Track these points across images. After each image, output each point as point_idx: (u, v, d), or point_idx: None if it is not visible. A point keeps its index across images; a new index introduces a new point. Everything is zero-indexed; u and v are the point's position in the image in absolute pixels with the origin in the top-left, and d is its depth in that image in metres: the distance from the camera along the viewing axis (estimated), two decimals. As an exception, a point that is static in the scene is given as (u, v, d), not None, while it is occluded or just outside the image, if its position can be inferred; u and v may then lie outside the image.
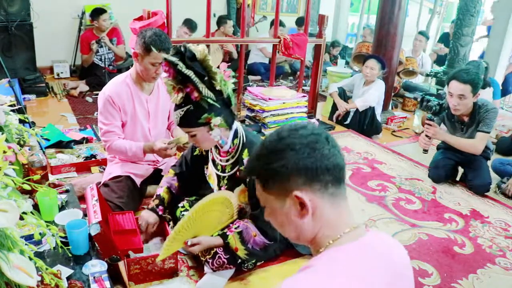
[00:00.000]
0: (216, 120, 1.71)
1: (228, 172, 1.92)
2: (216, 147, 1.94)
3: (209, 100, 1.66)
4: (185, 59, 1.61)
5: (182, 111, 1.68)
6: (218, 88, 1.69)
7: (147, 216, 2.02)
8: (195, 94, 1.63)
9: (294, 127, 0.87)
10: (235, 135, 1.85)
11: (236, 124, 1.87)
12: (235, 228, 1.84)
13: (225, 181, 1.95)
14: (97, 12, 4.74)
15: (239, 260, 1.85)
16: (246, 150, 1.84)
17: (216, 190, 1.99)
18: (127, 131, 2.38)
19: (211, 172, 2.04)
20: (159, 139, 2.33)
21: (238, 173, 1.89)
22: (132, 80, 2.33)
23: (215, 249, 1.82)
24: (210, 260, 1.81)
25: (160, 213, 2.05)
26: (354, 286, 0.78)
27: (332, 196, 0.86)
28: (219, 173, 1.96)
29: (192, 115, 1.68)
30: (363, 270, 0.81)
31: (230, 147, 1.86)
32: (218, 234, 1.84)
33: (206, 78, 1.65)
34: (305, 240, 0.90)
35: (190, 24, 4.92)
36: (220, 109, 1.72)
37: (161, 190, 2.10)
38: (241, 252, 1.82)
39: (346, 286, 0.77)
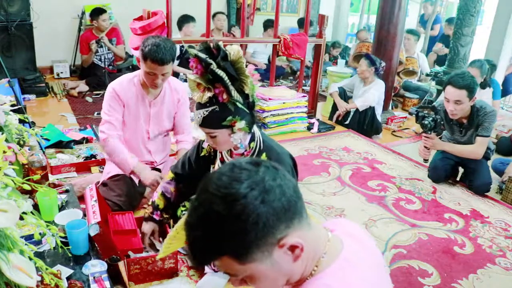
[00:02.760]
0: (241, 124, 1.63)
1: None
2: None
3: (237, 103, 1.58)
4: (218, 58, 1.52)
5: (207, 111, 1.59)
6: (246, 91, 1.60)
7: (146, 229, 1.94)
8: (224, 96, 1.55)
9: (234, 182, 0.72)
10: (252, 138, 1.78)
11: (254, 128, 1.78)
12: None
13: None
14: (97, 12, 4.74)
15: None
16: (264, 154, 1.76)
17: None
18: (126, 130, 2.38)
19: None
20: (157, 145, 2.38)
21: None
22: (139, 81, 2.32)
23: None
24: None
25: (157, 218, 1.97)
26: None
27: (306, 219, 0.78)
28: None
29: (216, 116, 1.59)
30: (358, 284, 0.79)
31: (246, 150, 1.78)
32: None
33: (237, 81, 1.56)
34: (294, 280, 0.81)
35: (191, 19, 4.92)
36: (245, 112, 1.64)
37: (155, 196, 2.01)
38: None
39: None
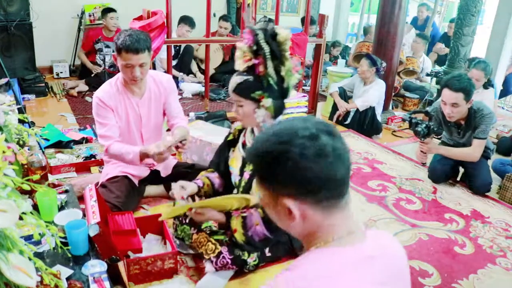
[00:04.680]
0: (267, 102, 1.72)
1: None
2: (252, 131, 1.92)
3: (270, 79, 1.69)
4: (267, 34, 1.66)
5: (242, 78, 1.72)
6: (282, 74, 1.71)
7: (188, 185, 1.93)
8: (261, 68, 1.68)
9: (295, 131, 0.80)
10: None
11: (281, 118, 1.85)
12: (241, 213, 1.83)
13: (251, 166, 1.90)
14: (106, 11, 4.78)
15: (243, 259, 1.84)
16: None
17: (237, 174, 1.96)
18: (120, 135, 2.34)
19: (236, 156, 2.00)
20: (153, 143, 2.32)
21: None
22: (122, 84, 2.29)
23: (219, 249, 1.82)
24: (214, 259, 1.81)
25: (200, 184, 1.98)
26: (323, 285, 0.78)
27: (325, 208, 0.83)
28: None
29: (248, 86, 1.71)
30: (342, 273, 0.80)
31: None
32: (223, 212, 1.82)
33: (276, 60, 1.68)
34: (294, 235, 0.90)
35: (189, 22, 4.90)
36: (275, 94, 1.74)
37: (199, 181, 2.02)
38: (239, 236, 1.79)
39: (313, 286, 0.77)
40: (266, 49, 1.65)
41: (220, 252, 1.81)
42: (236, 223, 1.81)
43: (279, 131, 0.82)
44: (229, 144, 2.05)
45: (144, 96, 2.34)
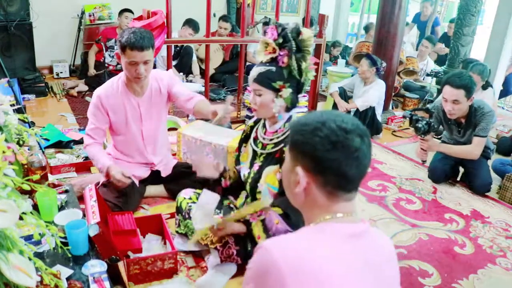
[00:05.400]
0: (286, 92, 1.80)
1: (268, 150, 1.91)
2: (264, 125, 1.95)
3: (293, 70, 1.77)
4: (293, 30, 1.77)
5: (264, 68, 1.79)
6: (303, 67, 1.80)
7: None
8: (285, 60, 1.76)
9: (334, 119, 0.89)
10: (289, 120, 1.91)
11: (293, 112, 1.93)
12: (258, 216, 1.82)
13: (261, 159, 1.93)
14: (122, 10, 4.82)
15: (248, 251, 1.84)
16: None
17: (247, 168, 1.98)
18: (119, 134, 2.37)
19: (247, 151, 2.03)
20: (153, 142, 2.40)
21: (278, 153, 1.88)
22: (124, 83, 2.30)
23: (226, 238, 1.83)
24: (220, 249, 1.82)
25: (223, 185, 2.08)
26: (317, 253, 0.85)
27: (329, 193, 0.91)
28: (258, 149, 1.95)
29: (270, 75, 1.78)
30: (332, 246, 0.87)
31: (280, 128, 1.90)
32: (242, 222, 1.83)
33: (299, 54, 1.78)
34: (295, 205, 0.99)
35: (193, 25, 4.91)
36: (294, 85, 1.82)
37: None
38: (263, 241, 1.79)
39: (305, 251, 0.85)
40: (293, 42, 1.75)
41: (227, 242, 1.83)
42: (258, 230, 1.81)
43: (324, 113, 0.93)
44: (241, 141, 2.10)
45: (145, 94, 2.34)
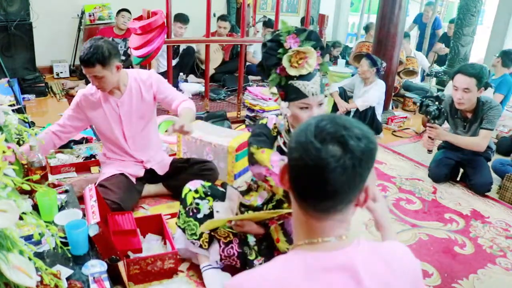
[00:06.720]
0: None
1: None
2: (288, 131, 1.85)
3: (327, 66, 1.81)
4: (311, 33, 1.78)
5: (319, 76, 1.75)
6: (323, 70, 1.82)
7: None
8: (321, 60, 1.78)
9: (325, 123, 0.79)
10: None
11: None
12: (277, 220, 1.81)
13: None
14: (120, 10, 4.83)
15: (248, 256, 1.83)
16: None
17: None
18: (102, 134, 2.42)
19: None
20: (137, 142, 2.41)
21: None
22: None
23: (231, 238, 1.82)
24: (223, 246, 1.81)
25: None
26: None
27: (311, 217, 0.83)
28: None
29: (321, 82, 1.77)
30: (304, 280, 0.79)
31: None
32: (261, 224, 1.82)
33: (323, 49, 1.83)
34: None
35: (181, 18, 4.89)
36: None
37: None
38: (283, 244, 1.78)
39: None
40: (323, 44, 1.81)
41: (231, 241, 1.82)
42: (277, 233, 1.80)
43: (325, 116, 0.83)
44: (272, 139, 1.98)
45: (124, 95, 2.34)
